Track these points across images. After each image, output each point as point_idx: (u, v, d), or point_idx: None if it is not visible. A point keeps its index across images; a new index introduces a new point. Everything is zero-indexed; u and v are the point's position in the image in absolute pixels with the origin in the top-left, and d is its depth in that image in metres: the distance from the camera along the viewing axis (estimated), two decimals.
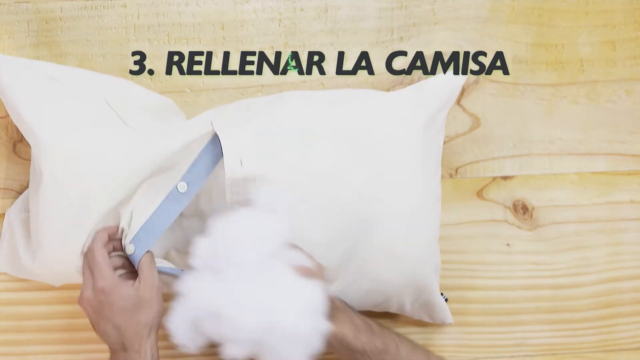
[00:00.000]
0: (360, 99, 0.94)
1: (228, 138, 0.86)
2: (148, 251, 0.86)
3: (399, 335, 0.91)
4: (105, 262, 0.83)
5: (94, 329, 0.86)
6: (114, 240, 0.86)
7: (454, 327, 1.04)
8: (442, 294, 0.99)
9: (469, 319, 1.05)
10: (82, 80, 0.93)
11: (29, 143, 0.88)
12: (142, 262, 0.85)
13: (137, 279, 0.84)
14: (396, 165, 0.90)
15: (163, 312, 0.85)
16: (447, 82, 0.96)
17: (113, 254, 0.86)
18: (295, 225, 0.85)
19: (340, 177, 0.88)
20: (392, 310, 0.97)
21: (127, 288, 0.83)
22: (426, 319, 1.01)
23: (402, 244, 0.90)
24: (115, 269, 0.85)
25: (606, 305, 1.06)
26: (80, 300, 0.84)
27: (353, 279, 0.91)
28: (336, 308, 0.86)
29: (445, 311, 1.00)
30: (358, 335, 0.86)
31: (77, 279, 0.87)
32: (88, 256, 0.84)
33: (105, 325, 0.83)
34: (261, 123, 0.89)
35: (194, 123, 0.89)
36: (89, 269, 0.84)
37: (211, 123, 0.87)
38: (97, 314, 0.83)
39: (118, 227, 0.86)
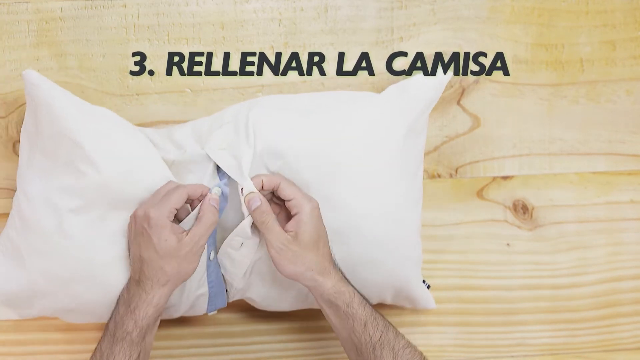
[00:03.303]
0: (338, 106, 0.93)
1: (225, 161, 0.88)
2: (215, 209, 0.85)
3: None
4: (174, 201, 0.82)
5: (129, 248, 0.86)
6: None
7: (454, 327, 1.04)
8: (424, 281, 0.99)
9: (469, 319, 1.05)
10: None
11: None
12: (204, 218, 0.84)
13: (188, 231, 0.83)
14: (374, 175, 0.89)
15: (190, 273, 0.84)
16: (430, 82, 0.94)
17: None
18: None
19: (320, 191, 0.88)
20: (373, 302, 0.95)
21: (170, 233, 0.81)
22: (408, 306, 1.00)
23: (381, 249, 0.90)
24: (179, 220, 0.85)
25: (606, 305, 1.06)
26: (133, 213, 0.84)
27: None
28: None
29: (427, 298, 0.99)
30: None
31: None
32: (169, 187, 0.84)
33: (134, 250, 0.83)
34: (243, 138, 0.89)
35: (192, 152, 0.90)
36: (160, 194, 0.83)
37: (206, 153, 0.89)
38: (136, 236, 0.83)
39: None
